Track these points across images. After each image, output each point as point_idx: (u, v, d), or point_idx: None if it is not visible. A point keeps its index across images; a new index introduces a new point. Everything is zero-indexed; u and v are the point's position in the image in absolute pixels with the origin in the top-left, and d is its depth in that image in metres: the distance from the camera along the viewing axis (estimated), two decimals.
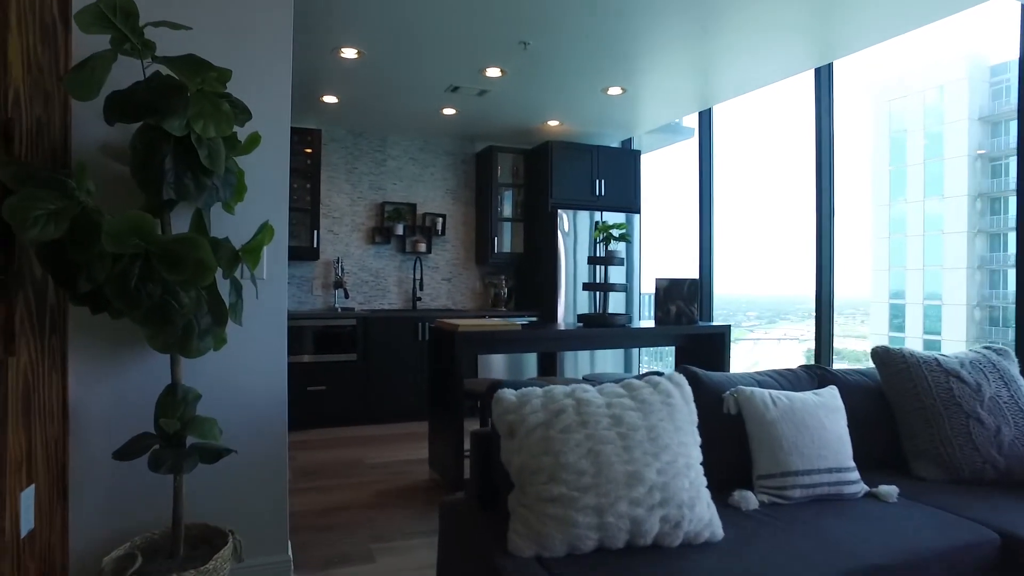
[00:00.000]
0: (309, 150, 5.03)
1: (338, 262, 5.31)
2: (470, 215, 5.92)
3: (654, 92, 4.44)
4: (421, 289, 5.57)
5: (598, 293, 5.26)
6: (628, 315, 3.70)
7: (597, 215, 5.38)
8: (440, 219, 5.69)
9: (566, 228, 5.27)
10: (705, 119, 5.27)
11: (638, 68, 3.95)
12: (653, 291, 4.20)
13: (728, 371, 4.15)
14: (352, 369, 4.88)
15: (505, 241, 5.78)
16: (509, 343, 3.38)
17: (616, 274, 5.20)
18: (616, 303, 5.44)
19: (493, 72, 3.96)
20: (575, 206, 5.41)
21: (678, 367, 2.23)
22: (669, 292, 4.10)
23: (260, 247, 1.80)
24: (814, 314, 4.26)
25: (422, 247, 5.62)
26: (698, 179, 5.29)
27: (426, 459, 3.89)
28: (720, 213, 5.31)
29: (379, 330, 4.95)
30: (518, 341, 3.40)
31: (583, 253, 5.31)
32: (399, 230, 5.48)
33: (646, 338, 3.88)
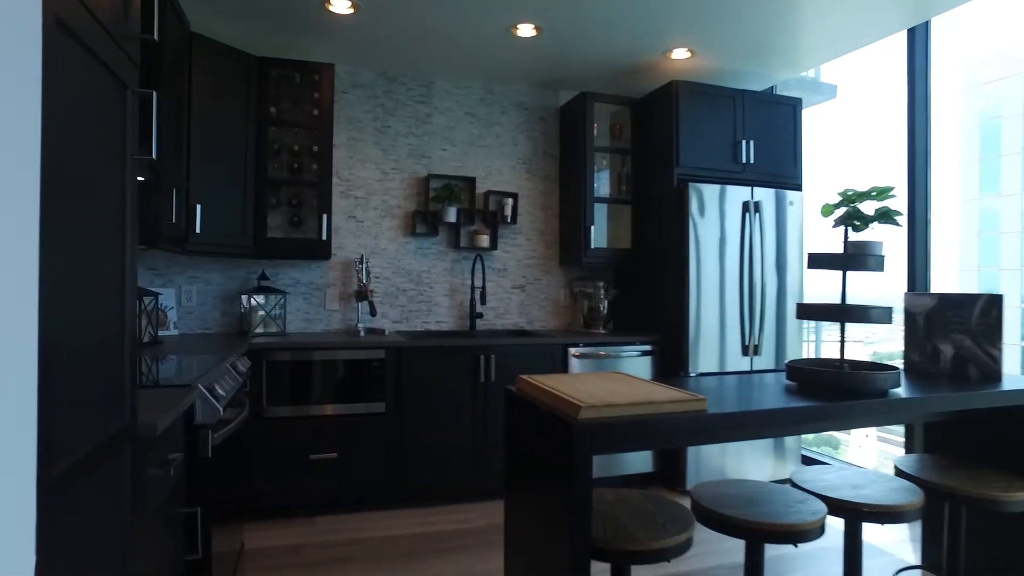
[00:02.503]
0: (316, 95, 3.39)
1: (362, 262, 3.67)
2: (552, 194, 4.20)
3: None
4: (483, 302, 3.87)
5: (768, 314, 3.49)
6: (898, 370, 1.90)
7: (743, 192, 3.58)
8: (510, 200, 3.99)
9: (698, 213, 3.49)
10: (920, 40, 3.39)
11: None
12: (903, 316, 2.41)
13: None
14: (379, 425, 3.23)
15: (602, 232, 4.05)
16: (683, 435, 1.63)
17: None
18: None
19: None
20: (711, 179, 3.63)
21: None
22: (939, 320, 2.28)
23: None
24: None
25: (484, 241, 3.93)
26: (907, 140, 3.43)
27: None
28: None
29: (420, 364, 3.29)
30: (694, 432, 1.64)
31: (712, 246, 3.51)
32: (451, 216, 3.80)
33: (906, 413, 2.07)
